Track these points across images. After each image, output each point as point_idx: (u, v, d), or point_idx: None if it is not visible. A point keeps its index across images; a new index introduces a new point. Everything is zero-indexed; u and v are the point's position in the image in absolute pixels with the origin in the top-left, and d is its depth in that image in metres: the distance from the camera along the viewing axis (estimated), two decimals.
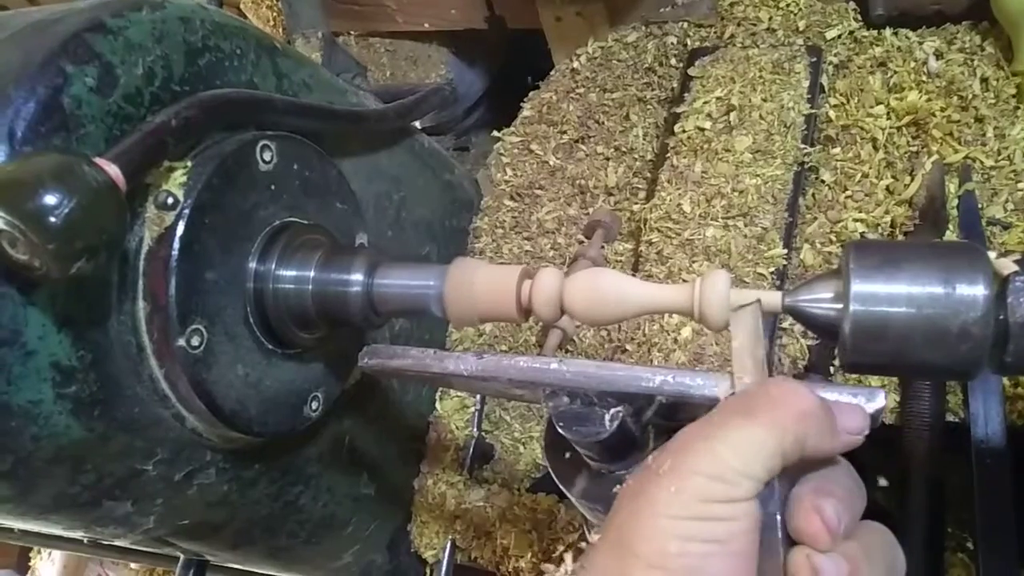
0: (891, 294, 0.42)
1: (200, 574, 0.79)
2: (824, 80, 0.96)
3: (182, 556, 0.77)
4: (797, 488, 0.40)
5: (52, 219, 0.42)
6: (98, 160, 0.46)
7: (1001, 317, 0.40)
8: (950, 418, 0.74)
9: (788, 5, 1.04)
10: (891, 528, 0.42)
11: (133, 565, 1.44)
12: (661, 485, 0.38)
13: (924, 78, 0.92)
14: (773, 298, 0.48)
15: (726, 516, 0.37)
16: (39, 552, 1.51)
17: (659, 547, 0.36)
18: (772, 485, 0.39)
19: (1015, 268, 0.40)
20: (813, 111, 0.92)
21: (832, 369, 0.81)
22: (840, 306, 0.43)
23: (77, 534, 0.61)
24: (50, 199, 0.42)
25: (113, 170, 0.46)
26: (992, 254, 0.42)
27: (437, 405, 1.00)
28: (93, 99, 0.51)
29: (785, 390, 0.40)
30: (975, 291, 0.40)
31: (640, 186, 1.03)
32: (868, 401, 0.43)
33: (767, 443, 0.37)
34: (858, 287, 0.42)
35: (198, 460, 0.61)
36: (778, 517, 0.39)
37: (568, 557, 0.44)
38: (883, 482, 0.77)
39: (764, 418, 0.38)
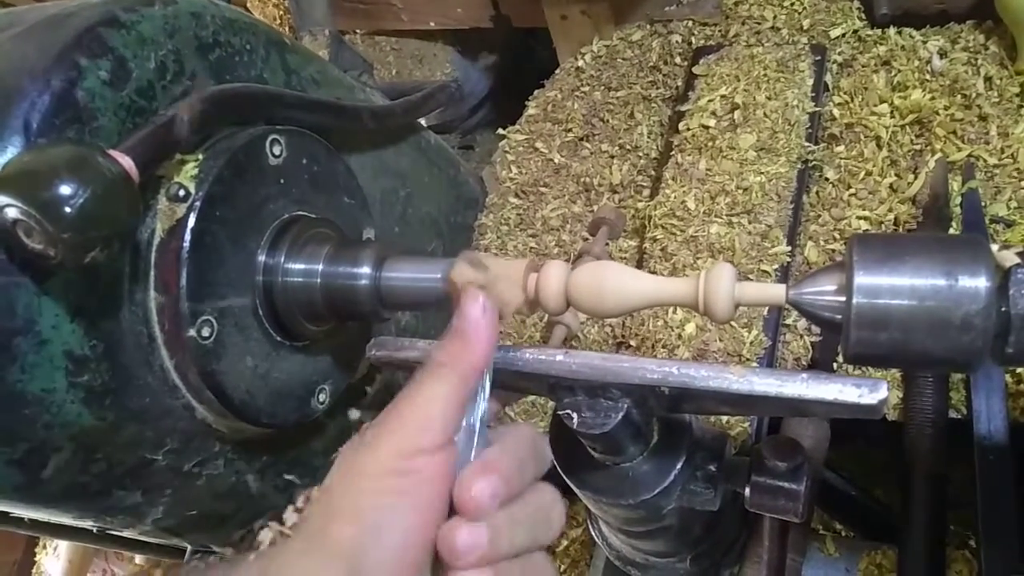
0: (894, 286, 0.42)
1: None
2: (828, 78, 0.96)
3: (189, 547, 0.78)
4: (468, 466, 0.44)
5: (67, 209, 0.42)
6: (112, 152, 0.47)
7: (1003, 309, 0.41)
8: (953, 414, 0.74)
9: (792, 4, 1.04)
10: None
11: (138, 559, 1.44)
12: (364, 449, 0.43)
13: (928, 77, 0.93)
14: (778, 291, 0.48)
15: (411, 469, 0.41)
16: (44, 547, 1.52)
17: (353, 502, 0.41)
18: (468, 427, 0.44)
19: (1017, 260, 0.41)
20: (817, 109, 0.92)
21: (835, 366, 0.81)
22: (843, 298, 0.44)
23: (87, 524, 0.61)
24: (65, 189, 0.43)
25: (126, 162, 0.47)
26: (994, 247, 0.42)
27: None
28: (107, 92, 0.52)
29: (448, 352, 0.46)
30: (977, 283, 0.40)
31: (644, 184, 1.03)
32: (871, 392, 0.44)
33: (447, 397, 0.43)
34: (861, 279, 0.43)
35: (207, 451, 0.62)
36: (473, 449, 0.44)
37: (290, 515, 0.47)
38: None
39: (447, 377, 0.44)
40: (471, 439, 0.45)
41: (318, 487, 0.44)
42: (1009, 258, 0.41)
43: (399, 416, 0.43)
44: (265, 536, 0.47)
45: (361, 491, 0.42)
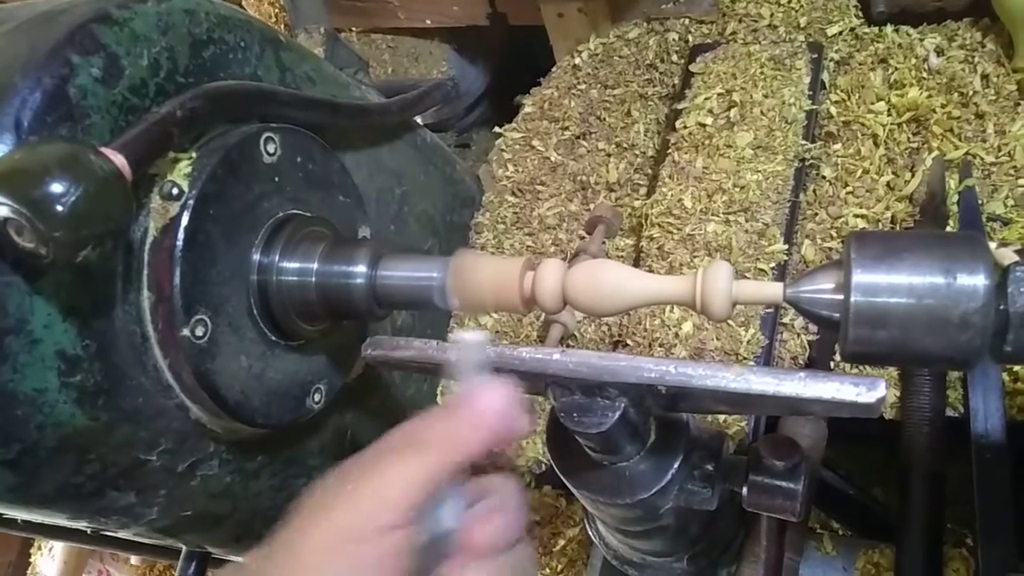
0: (892, 284, 0.42)
1: (202, 566, 0.79)
2: (825, 76, 0.96)
3: (184, 548, 0.78)
4: (477, 506, 0.43)
5: (58, 207, 0.42)
6: (104, 150, 0.46)
7: (1001, 307, 0.41)
8: (950, 413, 0.74)
9: (789, 1, 1.04)
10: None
11: (134, 560, 1.44)
12: (319, 511, 0.41)
13: (925, 75, 0.93)
14: (775, 290, 0.48)
15: (369, 549, 0.39)
16: (39, 548, 1.52)
17: (319, 561, 0.39)
18: (442, 501, 0.42)
19: (1015, 258, 0.40)
20: (814, 107, 0.92)
21: (832, 365, 0.81)
22: (841, 296, 0.44)
23: (81, 524, 0.61)
24: (56, 187, 0.42)
25: (119, 160, 0.46)
26: (992, 244, 0.42)
27: (439, 400, 1.00)
28: (99, 90, 0.51)
29: (438, 430, 0.43)
30: (976, 281, 0.40)
31: (641, 182, 1.03)
32: (869, 390, 0.44)
33: (417, 480, 0.41)
34: (859, 277, 0.42)
35: (201, 451, 0.62)
36: (448, 527, 0.42)
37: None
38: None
39: (423, 458, 0.41)
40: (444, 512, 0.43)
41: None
42: (1007, 256, 0.41)
43: (364, 487, 0.41)
44: None
45: (304, 564, 0.40)
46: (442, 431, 0.43)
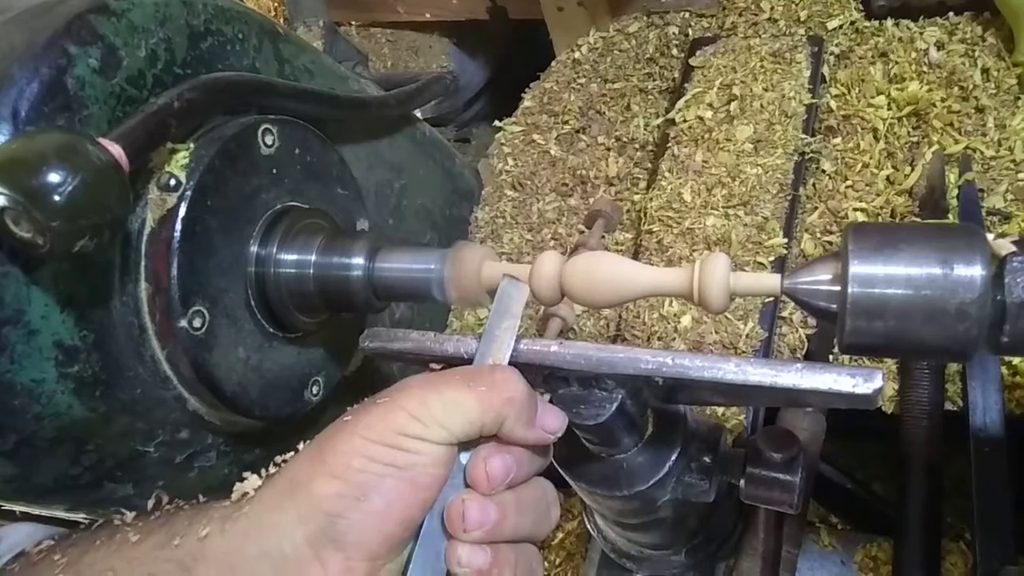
0: (889, 275, 0.42)
1: None
2: (825, 70, 0.96)
3: None
4: (480, 446, 0.46)
5: (56, 197, 0.42)
6: (101, 140, 0.46)
7: (998, 298, 0.41)
8: (949, 407, 0.74)
9: None
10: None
11: None
12: (371, 411, 0.43)
13: (925, 68, 0.92)
14: (772, 281, 0.48)
15: (412, 449, 0.42)
16: None
17: (345, 461, 0.41)
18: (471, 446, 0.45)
19: (1013, 249, 0.40)
20: (814, 101, 0.92)
21: (831, 358, 0.81)
22: (839, 288, 0.43)
23: (78, 516, 0.61)
24: (54, 177, 0.42)
25: (116, 150, 0.46)
26: (990, 236, 0.42)
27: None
28: (96, 80, 0.51)
29: (504, 378, 0.46)
30: (972, 271, 0.40)
31: (641, 176, 1.03)
32: (866, 381, 0.44)
33: (471, 410, 0.44)
34: (856, 268, 0.42)
35: (199, 443, 0.62)
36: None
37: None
38: None
39: (478, 392, 0.44)
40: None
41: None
42: (1004, 246, 0.41)
43: (421, 398, 0.43)
44: (246, 485, 0.46)
45: (354, 451, 0.42)
46: (500, 382, 0.45)
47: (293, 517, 0.41)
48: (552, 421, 0.48)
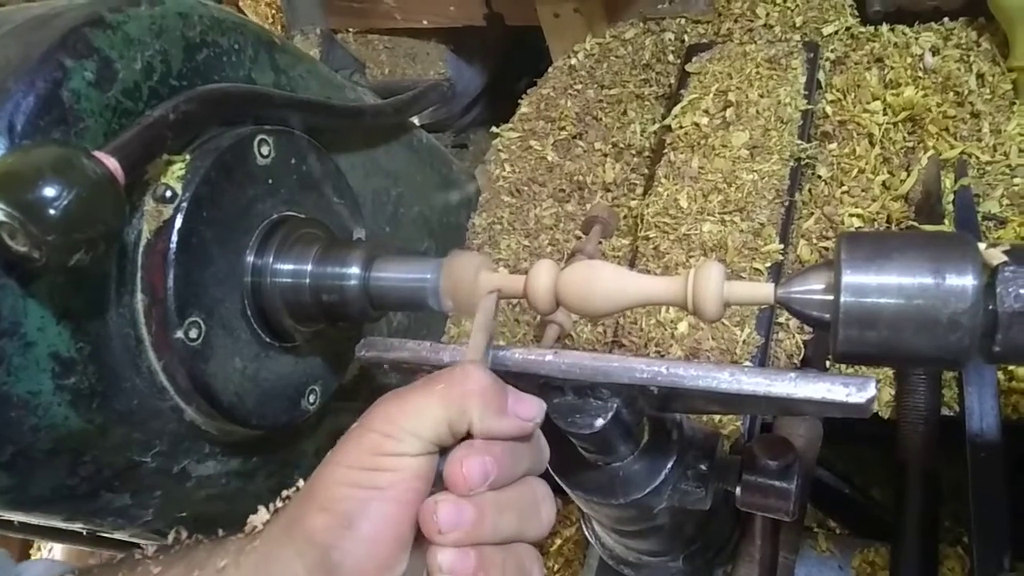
0: (882, 285, 0.42)
1: None
2: (821, 76, 0.96)
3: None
4: (457, 447, 0.44)
5: (51, 211, 0.42)
6: (97, 153, 0.46)
7: (990, 307, 0.41)
8: (946, 412, 0.75)
9: (785, 1, 1.04)
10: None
11: None
12: (348, 439, 0.44)
13: (920, 74, 0.93)
14: (766, 290, 0.48)
15: (390, 467, 0.42)
16: (39, 548, 1.52)
17: (330, 492, 0.42)
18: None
19: (1004, 258, 0.40)
20: (810, 107, 0.92)
21: (828, 364, 0.81)
22: (831, 297, 0.44)
23: (76, 526, 0.61)
24: (49, 191, 0.42)
25: (112, 163, 0.47)
26: (982, 245, 0.42)
27: None
28: (92, 93, 0.51)
29: (463, 371, 0.45)
30: (964, 281, 0.40)
31: (637, 182, 1.03)
32: (859, 391, 0.44)
33: (435, 410, 0.43)
34: (849, 278, 0.43)
35: (196, 452, 0.62)
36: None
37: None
38: None
39: (438, 390, 0.44)
40: None
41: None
42: (996, 256, 0.41)
43: (386, 415, 0.44)
44: (256, 519, 0.48)
45: (337, 481, 0.43)
46: (458, 377, 0.45)
47: (292, 552, 0.42)
48: (526, 408, 0.46)
